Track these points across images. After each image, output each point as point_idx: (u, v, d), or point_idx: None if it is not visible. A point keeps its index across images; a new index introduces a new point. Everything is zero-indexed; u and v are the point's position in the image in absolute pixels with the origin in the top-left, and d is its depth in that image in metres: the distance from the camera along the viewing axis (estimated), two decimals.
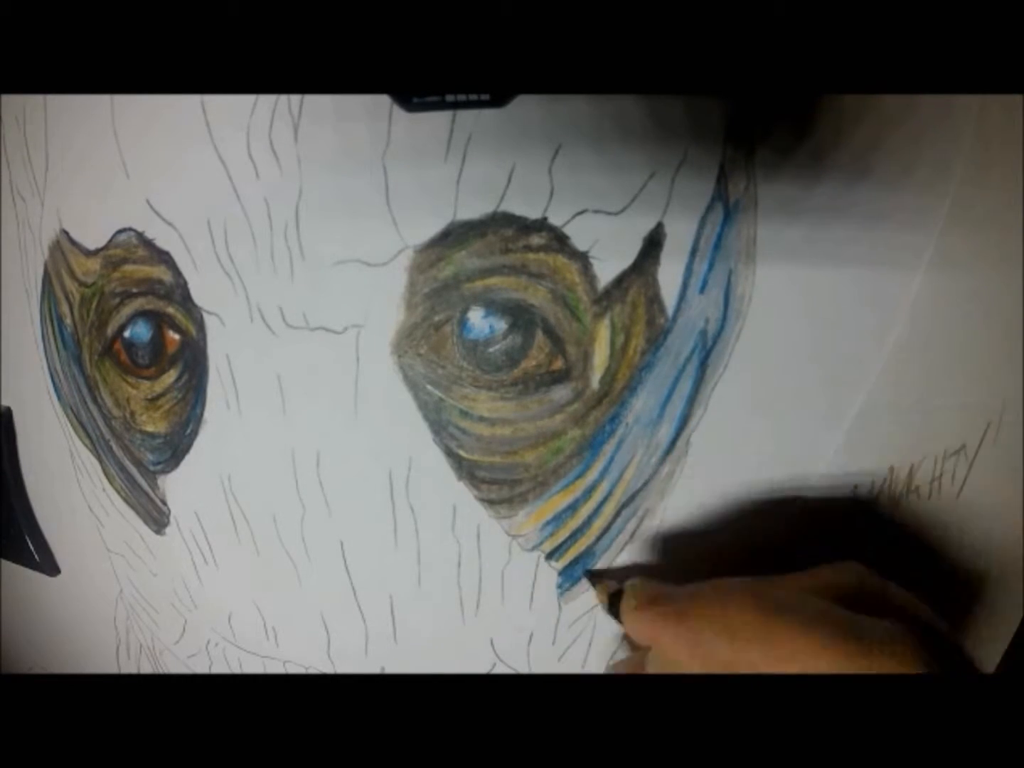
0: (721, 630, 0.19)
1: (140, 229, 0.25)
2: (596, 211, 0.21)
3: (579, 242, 0.22)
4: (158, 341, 0.26)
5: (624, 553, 0.24)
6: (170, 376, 0.26)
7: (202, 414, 0.26)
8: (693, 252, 0.22)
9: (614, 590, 0.23)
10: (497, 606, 0.25)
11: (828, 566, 0.21)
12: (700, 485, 0.23)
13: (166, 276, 0.25)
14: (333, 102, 0.22)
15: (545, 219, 0.21)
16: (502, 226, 0.22)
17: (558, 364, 0.22)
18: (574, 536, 0.24)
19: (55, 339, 0.29)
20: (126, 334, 0.26)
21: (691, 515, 0.24)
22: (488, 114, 0.21)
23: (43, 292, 0.29)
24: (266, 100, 0.22)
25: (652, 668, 0.21)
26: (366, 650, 0.27)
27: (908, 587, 0.20)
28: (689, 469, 0.23)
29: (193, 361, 0.25)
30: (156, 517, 0.29)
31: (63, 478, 0.32)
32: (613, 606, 0.23)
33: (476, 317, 0.22)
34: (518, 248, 0.22)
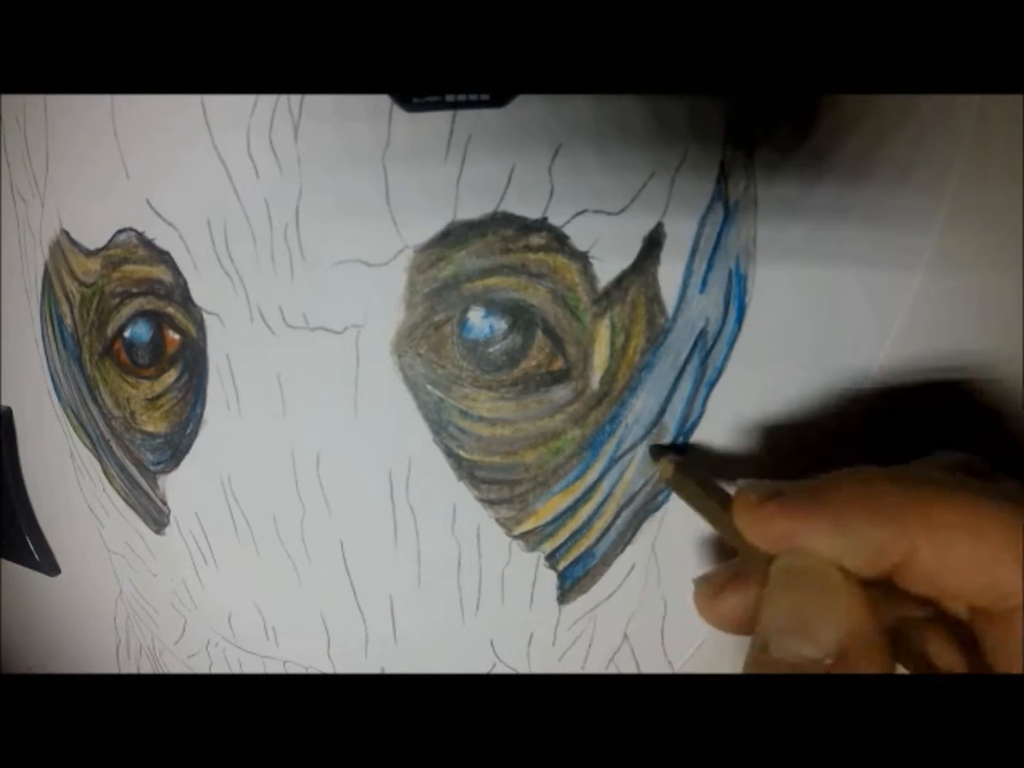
0: (872, 512, 0.16)
1: (140, 229, 0.25)
2: (596, 211, 0.21)
3: (579, 242, 0.22)
4: (158, 341, 0.26)
5: (625, 554, 0.24)
6: (170, 376, 0.26)
7: (202, 414, 0.26)
8: (693, 252, 0.22)
9: (677, 462, 0.21)
10: (497, 606, 0.25)
11: (937, 455, 0.19)
12: None
13: (166, 276, 0.25)
14: (333, 102, 0.22)
15: (545, 219, 0.21)
16: (502, 226, 0.22)
17: (558, 364, 0.22)
18: (574, 537, 0.24)
19: (55, 339, 0.29)
20: (126, 334, 0.26)
21: (692, 515, 0.24)
22: (488, 114, 0.21)
23: (43, 292, 0.29)
24: (266, 100, 0.22)
25: (778, 576, 0.18)
26: (366, 650, 0.27)
27: None
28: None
29: (193, 361, 0.25)
30: (156, 517, 0.29)
31: (63, 478, 0.32)
32: (676, 478, 0.21)
33: (476, 317, 0.22)
34: (518, 248, 0.22)
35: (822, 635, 0.17)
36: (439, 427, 0.23)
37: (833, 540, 0.17)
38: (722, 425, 0.23)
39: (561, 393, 0.23)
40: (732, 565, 0.21)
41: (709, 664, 0.25)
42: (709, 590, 0.20)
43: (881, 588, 0.17)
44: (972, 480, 0.17)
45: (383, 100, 0.21)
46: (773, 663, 0.17)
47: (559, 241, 0.22)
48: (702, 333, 0.22)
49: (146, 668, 0.34)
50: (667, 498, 0.24)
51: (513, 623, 0.25)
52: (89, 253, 0.27)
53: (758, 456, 0.23)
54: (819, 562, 0.17)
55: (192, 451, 0.26)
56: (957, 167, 0.21)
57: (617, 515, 0.24)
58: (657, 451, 0.23)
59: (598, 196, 0.21)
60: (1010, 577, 0.16)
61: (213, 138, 0.23)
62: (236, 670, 0.30)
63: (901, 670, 0.18)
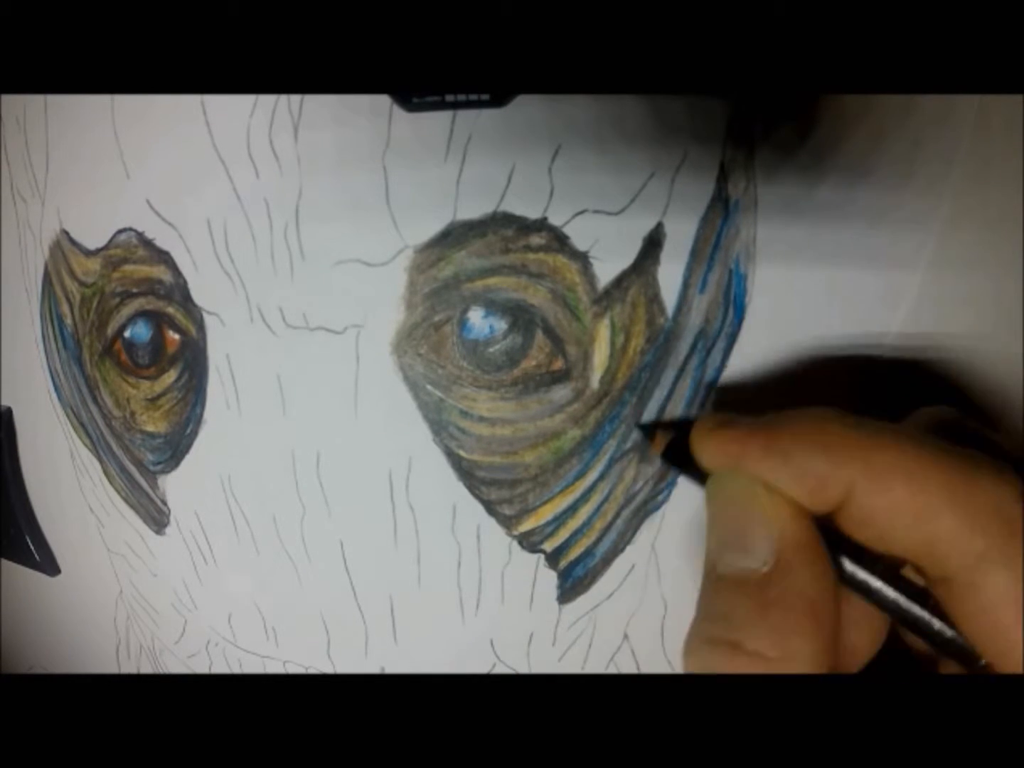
0: (817, 445, 0.17)
1: (140, 229, 0.25)
2: (596, 211, 0.21)
3: (579, 242, 0.22)
4: (158, 341, 0.26)
5: (625, 553, 0.24)
6: (170, 376, 0.26)
7: (202, 414, 0.26)
8: (693, 252, 0.22)
9: (673, 436, 0.21)
10: (497, 606, 0.25)
11: (921, 410, 0.19)
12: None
13: (166, 276, 0.25)
14: (333, 102, 0.22)
15: (545, 219, 0.21)
16: (502, 226, 0.22)
17: (558, 364, 0.22)
18: (574, 536, 0.24)
19: (55, 339, 0.29)
20: (126, 334, 0.26)
21: (691, 515, 0.24)
22: (488, 114, 0.21)
23: (43, 292, 0.29)
24: (266, 100, 0.22)
25: (709, 496, 0.19)
26: (366, 650, 0.27)
27: None
28: None
29: (193, 361, 0.25)
30: (156, 517, 0.29)
31: (63, 478, 0.32)
32: (671, 451, 0.21)
33: (476, 317, 0.22)
34: (518, 248, 0.22)
35: (756, 545, 0.17)
36: (439, 427, 0.23)
37: (776, 466, 0.17)
38: None
39: (561, 393, 0.23)
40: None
41: None
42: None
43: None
44: (930, 435, 0.17)
45: (383, 100, 0.21)
46: (723, 583, 0.18)
47: (559, 241, 0.22)
48: (702, 333, 0.22)
49: (146, 668, 0.34)
50: (667, 498, 0.24)
51: (513, 623, 0.25)
52: (89, 253, 0.27)
53: None
54: (741, 478, 0.18)
55: (192, 451, 0.26)
56: (957, 167, 0.21)
57: (617, 515, 0.24)
58: (650, 428, 0.23)
59: (598, 196, 0.21)
60: (948, 536, 0.15)
61: (213, 138, 0.23)
62: (236, 670, 0.30)
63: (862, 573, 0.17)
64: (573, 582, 0.25)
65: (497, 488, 0.24)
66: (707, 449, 0.19)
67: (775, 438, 0.17)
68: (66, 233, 0.27)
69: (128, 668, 0.35)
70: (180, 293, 0.25)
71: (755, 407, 0.23)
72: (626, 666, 0.26)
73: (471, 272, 0.22)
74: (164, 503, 0.28)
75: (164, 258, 0.25)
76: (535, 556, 0.24)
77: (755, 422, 0.18)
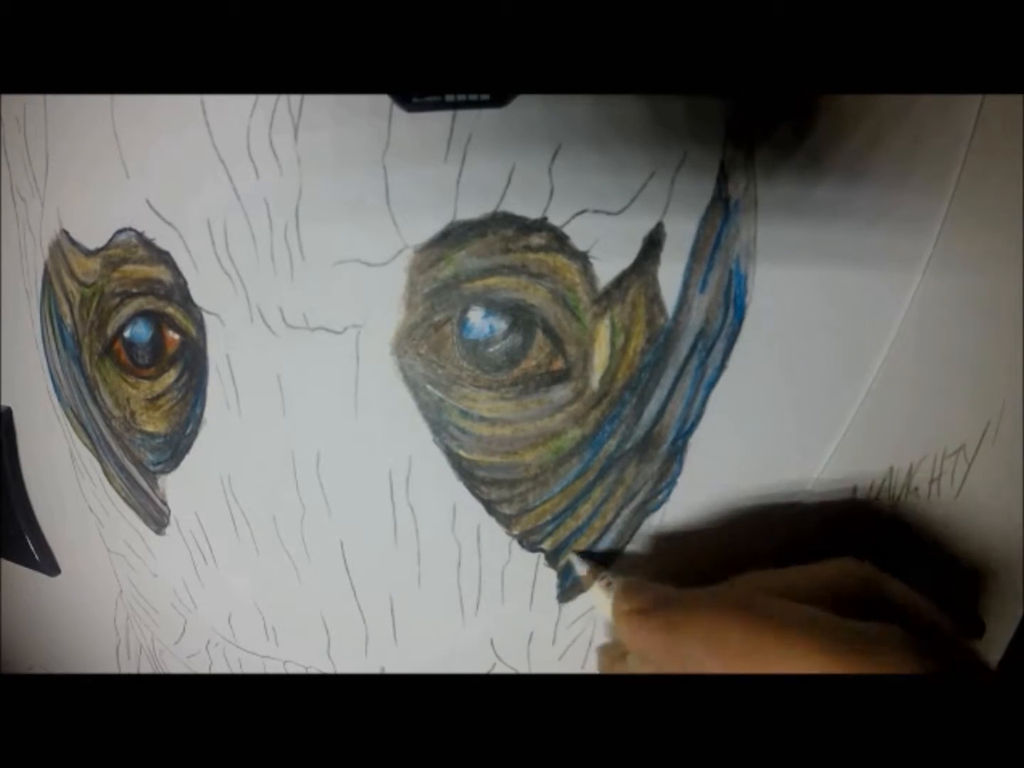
0: (710, 648, 0.19)
1: (140, 229, 0.25)
2: (596, 211, 0.21)
3: (579, 242, 0.22)
4: (158, 341, 0.26)
5: (624, 553, 0.24)
6: (170, 376, 0.26)
7: (202, 414, 0.26)
8: (693, 252, 0.22)
9: (606, 583, 0.23)
10: (497, 606, 0.25)
11: (824, 563, 0.21)
12: (699, 484, 0.23)
13: (166, 276, 0.25)
14: (333, 102, 0.22)
15: (545, 219, 0.21)
16: (502, 226, 0.22)
17: (558, 364, 0.22)
18: (574, 536, 0.24)
19: (55, 339, 0.29)
20: (126, 334, 0.26)
21: (690, 515, 0.24)
22: (488, 114, 0.21)
23: (43, 292, 0.29)
24: (266, 100, 0.22)
25: (633, 667, 0.22)
26: (366, 650, 0.27)
27: (908, 585, 0.20)
28: (688, 469, 0.23)
29: (193, 361, 0.25)
30: (156, 517, 0.29)
31: (63, 478, 0.32)
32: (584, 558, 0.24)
33: (476, 317, 0.22)
34: (518, 248, 0.22)
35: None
36: (439, 427, 0.23)
37: (673, 666, 0.19)
38: (721, 426, 0.23)
39: (561, 393, 0.23)
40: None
41: None
42: (613, 655, 0.24)
43: None
44: (818, 613, 0.18)
45: (383, 100, 0.21)
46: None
47: (559, 241, 0.22)
48: (702, 333, 0.22)
49: (146, 668, 0.34)
50: (667, 498, 0.24)
51: (513, 623, 0.25)
52: (89, 253, 0.27)
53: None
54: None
55: (192, 451, 0.26)
56: (957, 167, 0.21)
57: (617, 515, 0.24)
58: (585, 557, 0.24)
59: (598, 196, 0.21)
60: None
61: (213, 138, 0.23)
62: (236, 670, 0.30)
63: None
64: (573, 581, 0.25)
65: (497, 488, 0.24)
66: (619, 629, 0.21)
67: (678, 642, 0.19)
68: (66, 233, 0.27)
69: (128, 668, 0.35)
70: (180, 293, 0.25)
71: (754, 409, 0.23)
72: None
73: (471, 272, 0.22)
74: (164, 503, 0.28)
75: (164, 258, 0.25)
76: (535, 555, 0.24)
77: (661, 614, 0.20)
